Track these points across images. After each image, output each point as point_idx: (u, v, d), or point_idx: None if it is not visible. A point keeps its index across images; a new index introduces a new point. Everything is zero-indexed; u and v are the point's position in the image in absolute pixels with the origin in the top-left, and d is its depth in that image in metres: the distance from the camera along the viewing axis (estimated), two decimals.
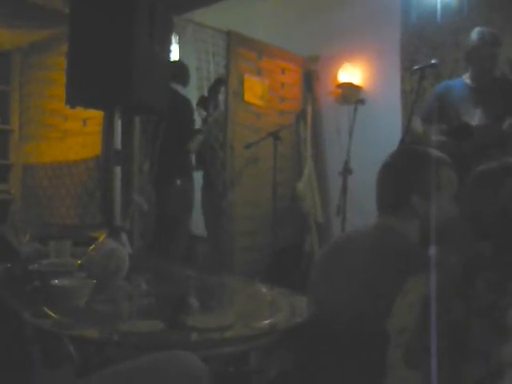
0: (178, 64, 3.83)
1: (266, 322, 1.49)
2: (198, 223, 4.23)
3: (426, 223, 1.47)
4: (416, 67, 3.18)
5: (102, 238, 1.97)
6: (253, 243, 4.55)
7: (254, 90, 4.55)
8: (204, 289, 1.98)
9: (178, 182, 3.52)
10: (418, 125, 3.13)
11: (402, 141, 2.87)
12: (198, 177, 4.13)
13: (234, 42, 4.37)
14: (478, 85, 3.00)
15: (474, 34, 2.97)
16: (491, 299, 0.97)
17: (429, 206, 1.45)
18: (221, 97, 3.84)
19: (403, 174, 1.51)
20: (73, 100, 2.46)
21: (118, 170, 2.51)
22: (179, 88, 3.61)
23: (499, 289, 0.98)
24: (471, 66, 3.02)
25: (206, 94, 4.14)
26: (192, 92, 4.02)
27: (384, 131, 4.17)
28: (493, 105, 2.93)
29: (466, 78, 3.06)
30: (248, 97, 4.51)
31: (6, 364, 1.35)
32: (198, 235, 4.27)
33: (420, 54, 4.12)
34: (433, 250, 1.46)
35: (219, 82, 3.71)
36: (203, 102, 3.65)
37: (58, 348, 1.42)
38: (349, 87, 4.72)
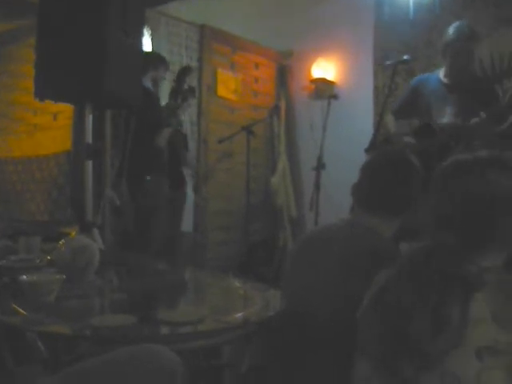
0: (152, 54, 3.77)
1: (238, 315, 1.49)
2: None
3: (406, 223, 1.51)
4: (388, 62, 3.20)
5: (73, 234, 1.95)
6: (226, 237, 4.55)
7: (227, 84, 4.55)
8: (176, 283, 1.97)
9: (148, 177, 3.48)
10: (391, 122, 3.13)
11: (374, 137, 2.88)
12: None
13: (207, 35, 4.35)
14: (450, 81, 2.99)
15: (451, 29, 2.93)
16: (438, 288, 0.99)
17: (412, 207, 1.50)
18: (189, 85, 3.75)
19: (391, 178, 1.53)
20: (42, 93, 2.40)
21: (89, 164, 2.48)
22: (147, 80, 3.54)
23: (448, 279, 1.00)
24: (447, 60, 3.01)
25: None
26: (164, 85, 3.98)
27: (357, 127, 4.21)
28: (463, 103, 2.94)
29: (440, 74, 3.06)
30: (221, 91, 4.50)
31: None
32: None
33: (393, 51, 4.15)
34: (404, 246, 1.49)
35: (184, 71, 3.65)
36: (174, 94, 3.60)
37: (26, 345, 1.40)
38: (322, 82, 4.75)
